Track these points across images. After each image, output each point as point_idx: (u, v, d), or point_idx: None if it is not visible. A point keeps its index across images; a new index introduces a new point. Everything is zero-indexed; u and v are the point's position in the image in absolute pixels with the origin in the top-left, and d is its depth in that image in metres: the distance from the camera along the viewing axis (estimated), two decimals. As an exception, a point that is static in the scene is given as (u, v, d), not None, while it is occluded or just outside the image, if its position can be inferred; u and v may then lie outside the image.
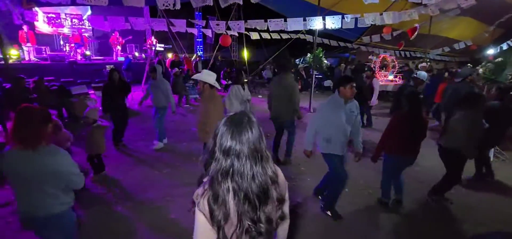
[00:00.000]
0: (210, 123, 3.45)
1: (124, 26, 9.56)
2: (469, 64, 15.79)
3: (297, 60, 18.04)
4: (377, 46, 15.81)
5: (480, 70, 5.28)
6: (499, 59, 4.96)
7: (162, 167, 4.83)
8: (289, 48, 15.10)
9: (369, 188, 4.24)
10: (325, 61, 8.21)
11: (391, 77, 11.93)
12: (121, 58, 12.90)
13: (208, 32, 10.37)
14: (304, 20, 7.98)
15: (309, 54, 8.41)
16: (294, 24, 7.90)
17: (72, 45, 12.01)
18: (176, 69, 9.32)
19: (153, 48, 14.90)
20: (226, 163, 1.13)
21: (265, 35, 11.83)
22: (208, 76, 3.53)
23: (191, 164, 4.80)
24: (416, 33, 8.36)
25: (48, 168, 1.83)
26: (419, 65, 8.73)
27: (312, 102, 9.40)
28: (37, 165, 1.81)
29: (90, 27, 13.74)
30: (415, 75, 5.76)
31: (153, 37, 15.07)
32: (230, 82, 12.89)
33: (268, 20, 7.93)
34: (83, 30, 13.15)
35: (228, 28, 8.28)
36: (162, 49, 15.23)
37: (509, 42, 14.17)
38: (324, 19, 7.92)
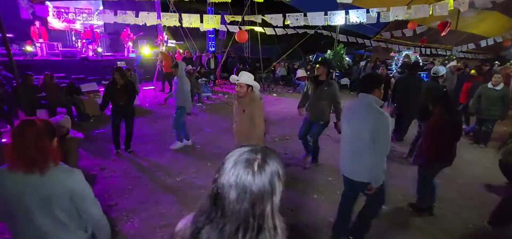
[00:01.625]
0: (255, 130, 3.15)
1: (135, 21, 9.32)
2: (496, 62, 14.88)
3: (310, 56, 17.47)
4: (397, 43, 15.08)
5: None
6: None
7: (174, 174, 4.42)
8: (301, 44, 14.63)
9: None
10: (347, 58, 7.66)
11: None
12: (133, 55, 12.64)
13: (222, 27, 10.00)
14: (325, 14, 7.45)
15: (329, 51, 7.88)
16: (315, 18, 7.39)
17: (84, 41, 11.83)
18: (189, 66, 8.94)
19: (165, 44, 14.66)
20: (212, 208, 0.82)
21: (279, 31, 11.38)
22: (248, 78, 3.14)
23: (205, 172, 4.40)
24: (448, 29, 7.69)
25: (59, 191, 1.47)
26: (449, 65, 8.05)
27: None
28: (46, 190, 1.44)
29: (102, 23, 13.55)
30: (433, 74, 5.14)
31: (164, 33, 14.83)
32: (243, 79, 12.47)
33: (287, 14, 7.44)
34: (95, 26, 12.97)
35: (242, 23, 7.87)
36: (174, 45, 14.92)
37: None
38: (347, 13, 7.37)
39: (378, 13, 7.61)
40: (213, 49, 15.43)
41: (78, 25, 13.15)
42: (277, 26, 9.61)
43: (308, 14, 7.35)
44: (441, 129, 3.08)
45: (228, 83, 13.17)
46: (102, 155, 4.97)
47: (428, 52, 16.00)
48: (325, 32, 13.37)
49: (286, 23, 7.68)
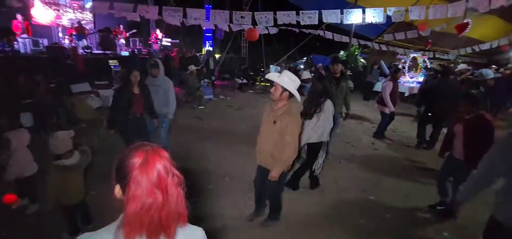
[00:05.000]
0: (284, 150, 2.54)
1: (131, 16, 8.53)
2: (493, 66, 14.94)
3: (305, 58, 17.05)
4: (398, 45, 14.85)
5: None
6: None
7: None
8: (301, 45, 14.26)
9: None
10: (361, 59, 7.21)
11: (421, 78, 10.96)
12: (126, 53, 11.79)
13: (224, 26, 9.38)
14: (341, 12, 6.97)
15: (342, 52, 7.41)
16: (330, 16, 6.89)
17: (72, 37, 10.89)
18: (193, 66, 8.26)
19: (159, 42, 13.87)
20: None
21: (272, 30, 10.86)
22: (289, 81, 2.46)
23: (209, 198, 3.77)
24: (466, 30, 7.40)
25: None
26: (459, 66, 7.81)
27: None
28: None
29: (92, 19, 12.61)
30: (476, 76, 4.80)
31: (158, 31, 14.04)
32: (245, 80, 11.90)
33: (301, 12, 6.90)
34: (84, 21, 12.02)
35: (254, 22, 7.27)
36: (169, 44, 14.15)
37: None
38: (364, 12, 6.91)
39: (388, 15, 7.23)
40: (210, 48, 14.74)
41: (65, 20, 12.15)
42: (294, 25, 9.04)
43: (323, 11, 6.85)
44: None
45: (229, 85, 12.58)
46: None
47: (430, 55, 15.89)
48: (321, 34, 13.06)
49: (294, 21, 7.19)
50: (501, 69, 7.48)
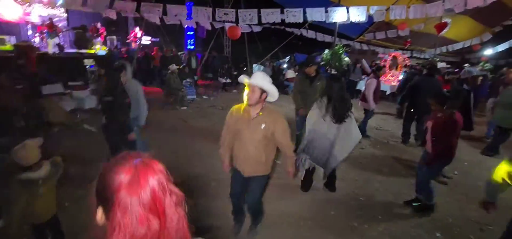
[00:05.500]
0: (270, 155, 2.53)
1: (108, 13, 8.08)
2: (466, 64, 15.70)
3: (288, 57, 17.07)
4: (379, 45, 15.21)
5: None
6: None
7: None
8: (280, 44, 14.23)
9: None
10: (346, 58, 7.24)
11: (402, 76, 11.24)
12: (102, 52, 11.21)
13: (206, 24, 9.13)
14: (326, 11, 6.95)
15: (326, 50, 7.41)
16: (315, 14, 6.85)
17: (43, 35, 10.20)
18: (174, 66, 7.95)
19: (138, 41, 13.34)
20: None
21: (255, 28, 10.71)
22: (263, 80, 2.32)
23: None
24: (446, 29, 7.62)
25: None
26: (439, 65, 8.07)
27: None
28: None
29: (65, 15, 11.90)
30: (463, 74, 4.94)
31: (137, 29, 13.51)
32: (228, 80, 11.69)
33: (285, 10, 6.80)
34: (56, 18, 11.30)
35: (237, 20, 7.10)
36: (149, 42, 13.66)
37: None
38: (348, 11, 6.93)
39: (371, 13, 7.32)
40: (192, 47, 14.37)
41: (34, 17, 11.37)
42: (263, 24, 8.93)
43: (307, 10, 6.80)
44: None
45: (212, 84, 12.31)
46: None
47: (408, 54, 16.39)
48: (304, 33, 13.09)
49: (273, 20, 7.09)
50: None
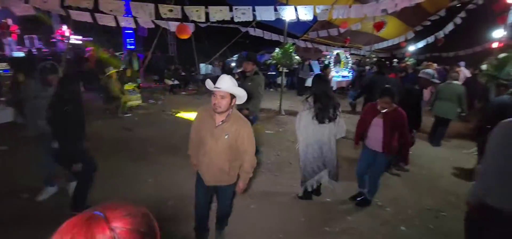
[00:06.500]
0: (237, 161, 2.35)
1: (22, 10, 6.80)
2: (395, 60, 17.67)
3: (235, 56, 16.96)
4: (321, 43, 16.03)
5: (484, 67, 5.15)
6: (503, 55, 4.85)
7: None
8: (228, 43, 14.04)
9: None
10: (297, 57, 7.35)
11: (345, 72, 12.03)
12: (19, 53, 9.51)
13: (147, 24, 8.34)
14: (275, 9, 6.92)
15: (277, 49, 7.42)
16: (264, 13, 6.77)
17: None
18: (111, 68, 7.07)
19: (66, 41, 11.68)
20: None
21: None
22: (232, 84, 2.14)
23: None
24: (383, 28, 8.30)
25: None
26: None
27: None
28: None
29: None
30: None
31: (64, 27, 11.83)
32: (176, 82, 11.00)
33: (234, 8, 6.56)
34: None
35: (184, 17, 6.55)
36: (80, 42, 12.08)
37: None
38: (296, 10, 7.01)
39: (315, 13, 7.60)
40: (132, 47, 13.15)
41: None
42: (212, 23, 8.56)
43: (257, 8, 6.68)
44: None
45: (158, 87, 11.43)
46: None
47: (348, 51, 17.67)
48: (252, 32, 13.10)
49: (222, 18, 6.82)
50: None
